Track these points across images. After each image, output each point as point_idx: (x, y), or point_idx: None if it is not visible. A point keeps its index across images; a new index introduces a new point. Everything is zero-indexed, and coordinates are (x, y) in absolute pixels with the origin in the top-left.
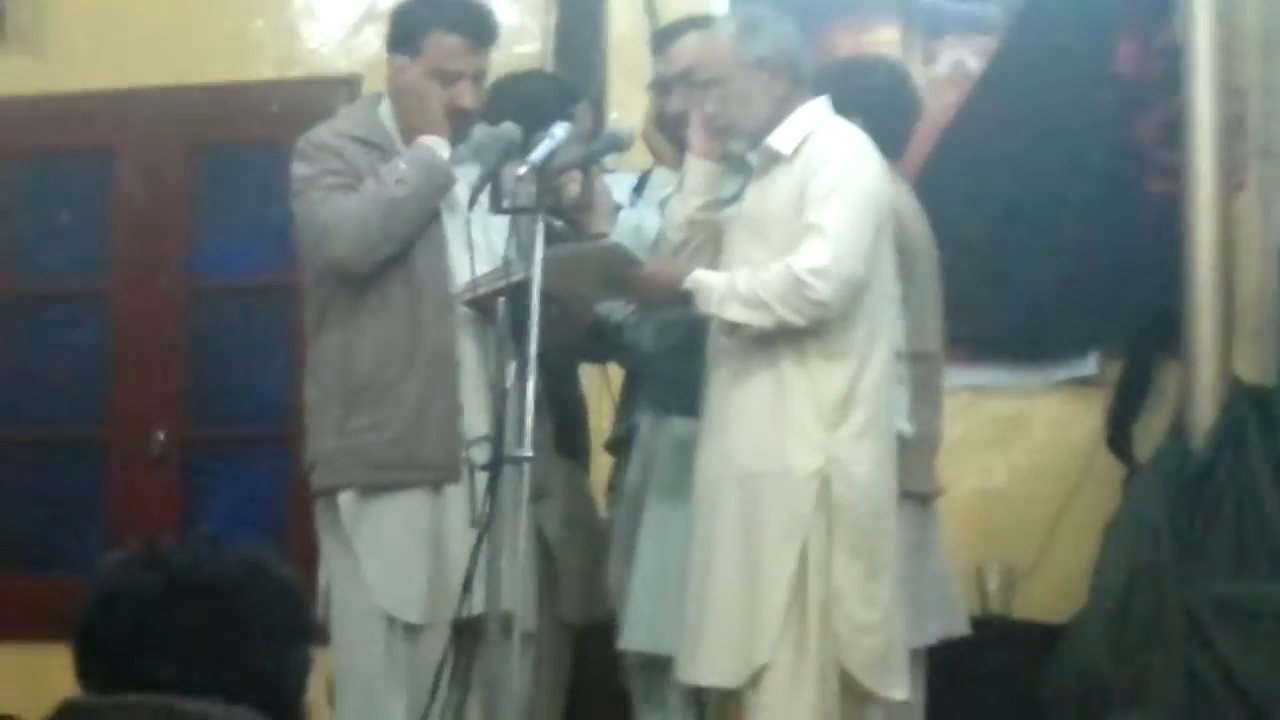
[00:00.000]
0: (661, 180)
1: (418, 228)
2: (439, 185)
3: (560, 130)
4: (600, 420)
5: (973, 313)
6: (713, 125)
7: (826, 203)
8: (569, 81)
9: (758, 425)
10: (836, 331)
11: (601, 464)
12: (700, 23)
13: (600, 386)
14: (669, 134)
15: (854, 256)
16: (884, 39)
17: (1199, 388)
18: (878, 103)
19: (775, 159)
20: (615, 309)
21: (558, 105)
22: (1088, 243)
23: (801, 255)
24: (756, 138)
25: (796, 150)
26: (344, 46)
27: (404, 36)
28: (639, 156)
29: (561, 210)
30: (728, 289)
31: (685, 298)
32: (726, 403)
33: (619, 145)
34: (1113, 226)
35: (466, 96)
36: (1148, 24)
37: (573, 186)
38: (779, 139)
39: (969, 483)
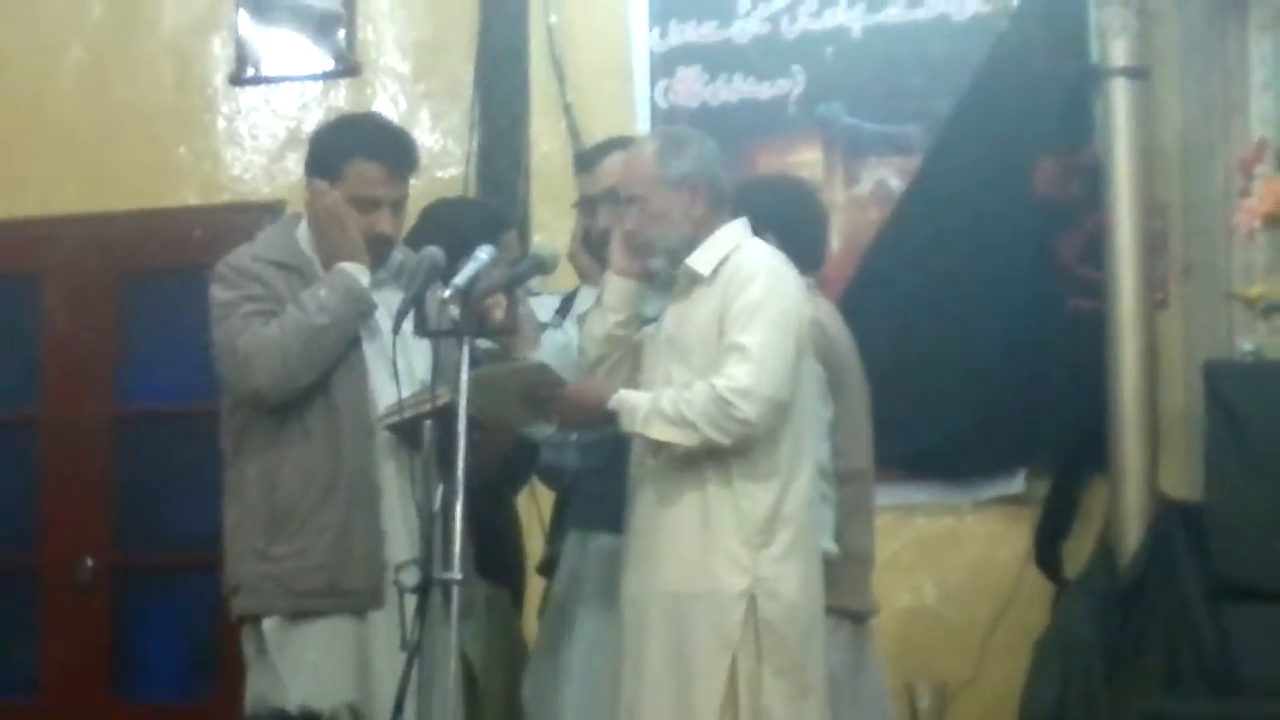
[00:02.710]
0: (588, 299)
1: (338, 355)
2: (359, 312)
3: (484, 253)
4: (530, 543)
5: (899, 432)
6: (631, 242)
7: (748, 323)
8: (497, 208)
9: (684, 546)
10: (761, 452)
11: (536, 587)
12: (626, 142)
13: (529, 509)
14: (595, 253)
15: (777, 376)
16: (806, 159)
17: (1126, 505)
18: (788, 219)
19: (694, 280)
20: (537, 430)
21: (483, 230)
22: (1012, 361)
23: (725, 375)
24: (675, 257)
25: (715, 271)
26: (267, 172)
27: (324, 162)
28: (563, 278)
29: (487, 333)
30: (652, 408)
31: (610, 417)
32: (652, 524)
33: (543, 268)
34: (1037, 345)
35: (385, 223)
36: (1068, 142)
37: (498, 312)
38: (698, 260)
39: (899, 601)
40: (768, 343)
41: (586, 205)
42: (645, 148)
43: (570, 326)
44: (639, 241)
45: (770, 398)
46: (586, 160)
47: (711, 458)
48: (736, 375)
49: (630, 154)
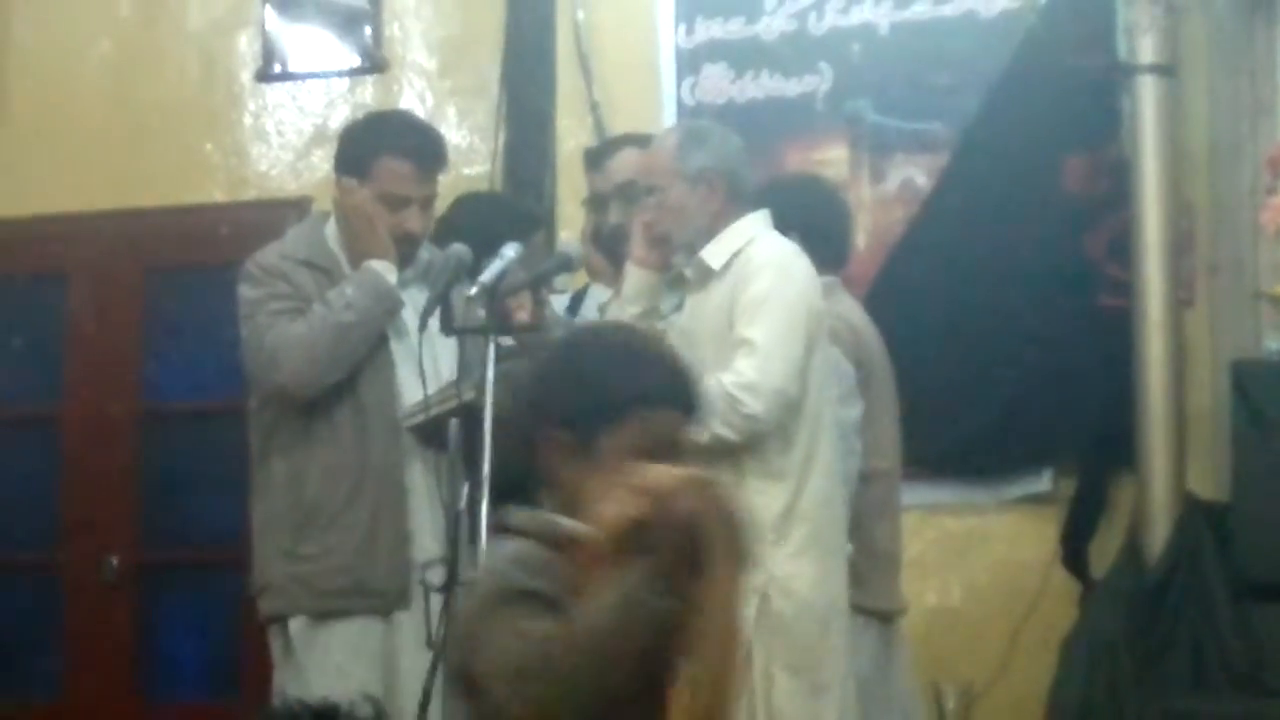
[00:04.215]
0: (600, 298)
1: (365, 352)
2: (386, 310)
3: (510, 251)
4: None
5: (925, 431)
6: (650, 234)
7: (756, 317)
8: (528, 207)
9: None
10: (774, 450)
11: None
12: (636, 139)
13: None
14: (605, 250)
15: (784, 370)
16: (833, 157)
17: (1153, 504)
18: (812, 218)
19: (707, 273)
20: None
21: (513, 229)
22: (1039, 359)
23: (732, 371)
24: (692, 249)
25: (727, 265)
26: (293, 169)
27: (353, 159)
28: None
29: (512, 331)
30: None
31: None
32: None
33: (569, 265)
34: (1063, 343)
35: (414, 221)
36: (1095, 140)
37: (521, 313)
38: (711, 254)
39: (924, 601)
40: (773, 336)
41: (597, 202)
42: (668, 140)
43: None
44: (656, 233)
45: (777, 390)
46: (597, 157)
47: (725, 456)
48: (743, 371)
49: (653, 145)
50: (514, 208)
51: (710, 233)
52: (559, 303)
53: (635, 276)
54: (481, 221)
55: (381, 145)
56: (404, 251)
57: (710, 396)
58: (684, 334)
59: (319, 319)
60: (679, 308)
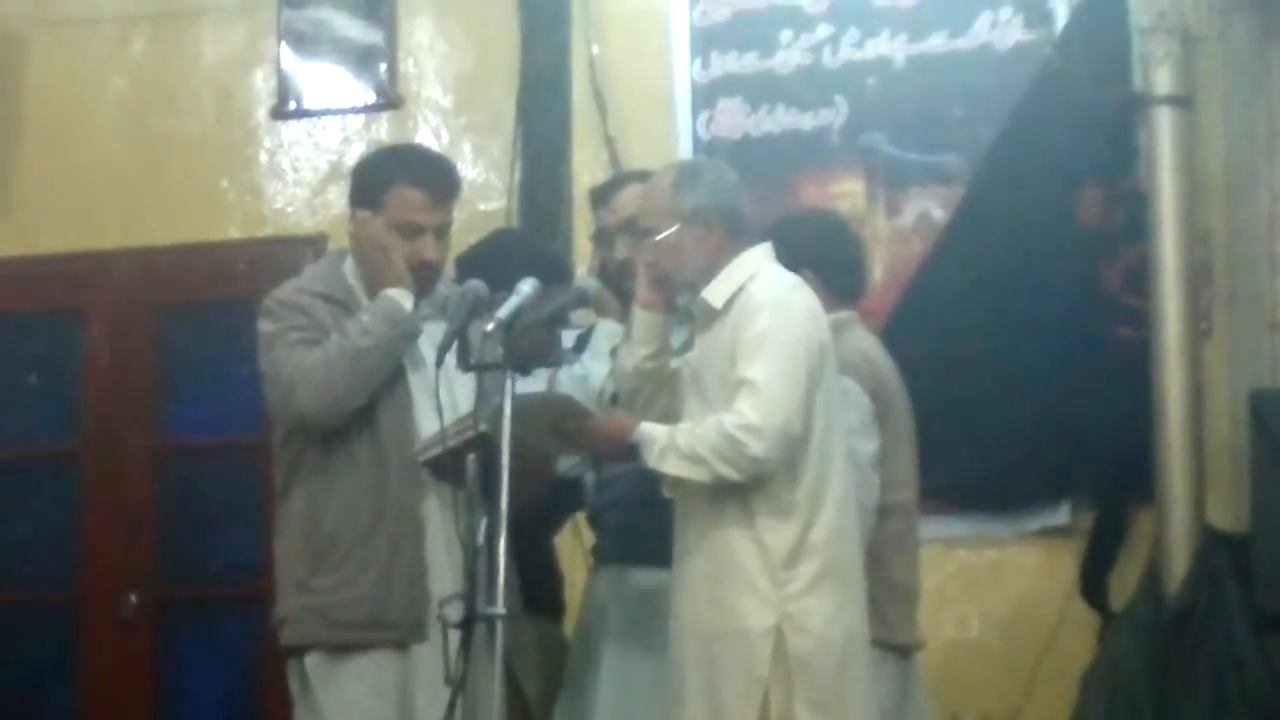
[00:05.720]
0: (607, 332)
1: (382, 378)
2: (403, 335)
3: (526, 286)
4: (573, 574)
5: (943, 464)
6: (651, 275)
7: (756, 356)
8: (554, 251)
9: (712, 584)
10: (781, 487)
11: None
12: (641, 175)
13: (574, 544)
14: (612, 285)
15: (786, 410)
16: (848, 190)
17: (1172, 535)
18: (825, 252)
19: (712, 312)
20: (564, 461)
21: (526, 264)
22: (1057, 391)
23: (734, 412)
24: (694, 289)
25: (730, 302)
26: (309, 206)
27: (366, 191)
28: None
29: (530, 366)
30: (668, 443)
31: (634, 450)
32: (682, 562)
33: (586, 300)
34: (1081, 374)
35: (429, 250)
36: (1111, 172)
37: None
38: (712, 292)
39: (943, 634)
40: (774, 375)
41: (604, 238)
42: (662, 180)
43: (589, 360)
44: (657, 274)
45: (779, 430)
46: (602, 194)
47: (733, 494)
48: (744, 412)
49: (648, 186)
50: (543, 253)
51: (711, 271)
52: (567, 338)
53: (642, 320)
54: (509, 259)
55: (393, 175)
56: (421, 280)
57: (712, 437)
58: (692, 374)
59: (335, 346)
60: (689, 345)
